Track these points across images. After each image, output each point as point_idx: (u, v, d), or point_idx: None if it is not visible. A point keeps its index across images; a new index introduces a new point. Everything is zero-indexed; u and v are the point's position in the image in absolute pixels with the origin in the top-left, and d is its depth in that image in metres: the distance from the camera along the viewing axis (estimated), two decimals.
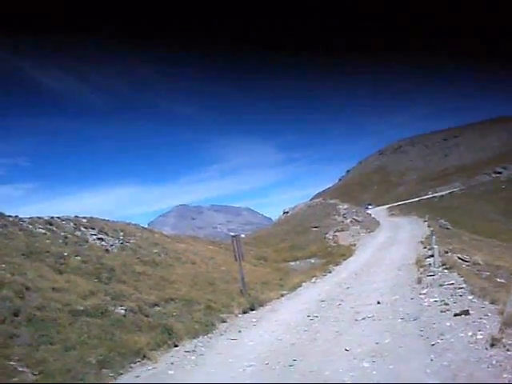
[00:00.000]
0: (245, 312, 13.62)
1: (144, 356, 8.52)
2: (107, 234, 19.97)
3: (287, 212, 76.00)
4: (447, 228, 44.23)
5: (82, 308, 10.01)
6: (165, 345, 9.40)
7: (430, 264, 17.60)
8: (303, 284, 19.46)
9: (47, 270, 12.86)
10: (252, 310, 13.99)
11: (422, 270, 17.02)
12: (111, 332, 9.11)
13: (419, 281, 14.61)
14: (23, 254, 13.78)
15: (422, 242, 29.27)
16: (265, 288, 18.87)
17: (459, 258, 20.07)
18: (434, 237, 25.88)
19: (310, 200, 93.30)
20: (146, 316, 11.25)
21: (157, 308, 12.47)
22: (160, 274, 16.74)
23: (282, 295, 16.85)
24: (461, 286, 12.30)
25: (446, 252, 22.14)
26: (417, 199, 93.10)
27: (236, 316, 13.14)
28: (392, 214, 66.46)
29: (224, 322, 12.29)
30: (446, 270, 15.49)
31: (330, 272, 22.66)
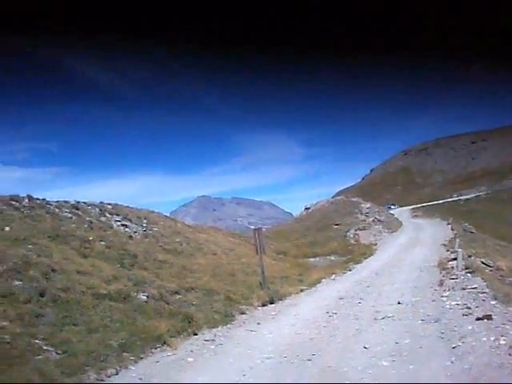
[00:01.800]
0: (264, 305, 13.67)
1: (164, 342, 8.63)
2: (131, 221, 20.23)
3: (309, 208, 75.69)
4: (471, 232, 43.60)
5: (105, 292, 10.19)
6: (185, 332, 9.52)
7: (452, 267, 17.38)
8: (323, 280, 19.43)
9: (72, 254, 13.13)
10: (271, 303, 14.03)
11: (444, 272, 16.83)
12: (133, 317, 9.26)
13: (441, 283, 14.44)
14: (49, 237, 14.08)
15: (444, 245, 28.96)
16: (284, 282, 18.90)
17: (482, 263, 19.79)
18: (457, 240, 25.67)
19: (333, 197, 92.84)
20: (167, 303, 11.36)
21: (177, 296, 12.60)
22: (181, 262, 16.90)
23: (302, 290, 16.86)
24: (484, 291, 12.09)
25: (469, 256, 21.87)
26: (441, 201, 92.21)
27: (255, 308, 13.20)
28: (415, 216, 65.77)
29: (243, 313, 12.36)
30: (468, 274, 15.24)
31: (350, 270, 22.59)
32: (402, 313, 11.03)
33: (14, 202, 16.80)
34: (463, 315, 9.77)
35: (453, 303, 11.13)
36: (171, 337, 8.94)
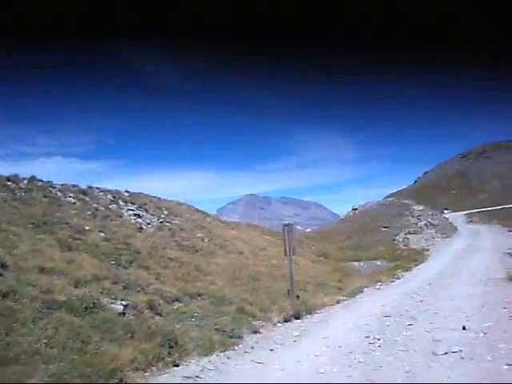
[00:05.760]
0: (286, 320, 10.75)
1: (121, 380, 5.88)
2: (147, 211, 17.84)
3: (356, 209, 72.21)
4: None
5: (63, 299, 7.55)
6: (160, 363, 6.70)
7: None
8: (365, 290, 16.50)
9: (52, 245, 10.71)
10: (297, 318, 11.15)
11: None
12: (86, 337, 6.53)
13: None
14: (33, 223, 11.77)
15: (509, 254, 25.33)
16: (319, 290, 16.12)
17: None
18: None
19: (383, 200, 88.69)
20: (158, 315, 8.78)
21: (176, 304, 10.01)
22: (196, 261, 14.32)
23: (338, 302, 13.92)
24: None
25: None
26: (499, 208, 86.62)
27: (274, 325, 10.28)
28: (471, 221, 61.50)
29: (255, 332, 9.44)
30: None
31: (398, 278, 19.55)
32: (471, 345, 7.90)
33: (9, 183, 14.66)
34: None
35: None
36: (135, 370, 6.16)
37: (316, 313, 12.04)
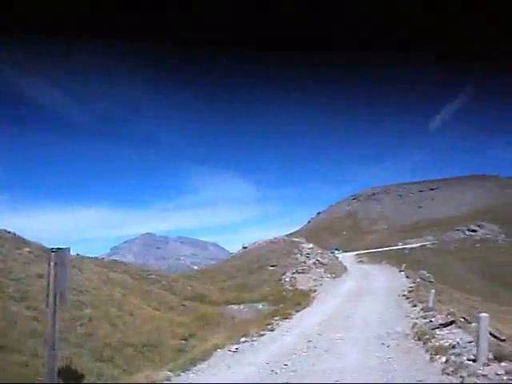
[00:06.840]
0: None
1: None
2: None
3: (246, 247, 67.95)
4: (430, 281, 36.36)
5: None
6: None
7: (452, 346, 9.10)
8: (214, 354, 11.04)
9: None
10: None
11: (440, 360, 8.30)
12: None
13: None
14: None
15: (405, 297, 21.65)
16: (139, 359, 10.22)
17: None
18: (432, 291, 17.82)
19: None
20: None
21: None
22: None
23: None
24: None
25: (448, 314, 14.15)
26: (386, 249, 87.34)
27: None
28: (360, 261, 60.22)
29: None
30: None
31: (271, 330, 14.50)
32: None
33: None
34: None
35: None
36: None
37: None
